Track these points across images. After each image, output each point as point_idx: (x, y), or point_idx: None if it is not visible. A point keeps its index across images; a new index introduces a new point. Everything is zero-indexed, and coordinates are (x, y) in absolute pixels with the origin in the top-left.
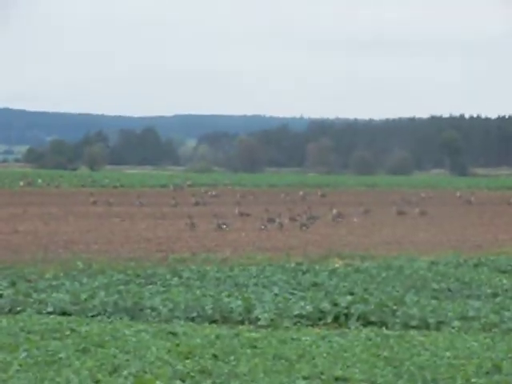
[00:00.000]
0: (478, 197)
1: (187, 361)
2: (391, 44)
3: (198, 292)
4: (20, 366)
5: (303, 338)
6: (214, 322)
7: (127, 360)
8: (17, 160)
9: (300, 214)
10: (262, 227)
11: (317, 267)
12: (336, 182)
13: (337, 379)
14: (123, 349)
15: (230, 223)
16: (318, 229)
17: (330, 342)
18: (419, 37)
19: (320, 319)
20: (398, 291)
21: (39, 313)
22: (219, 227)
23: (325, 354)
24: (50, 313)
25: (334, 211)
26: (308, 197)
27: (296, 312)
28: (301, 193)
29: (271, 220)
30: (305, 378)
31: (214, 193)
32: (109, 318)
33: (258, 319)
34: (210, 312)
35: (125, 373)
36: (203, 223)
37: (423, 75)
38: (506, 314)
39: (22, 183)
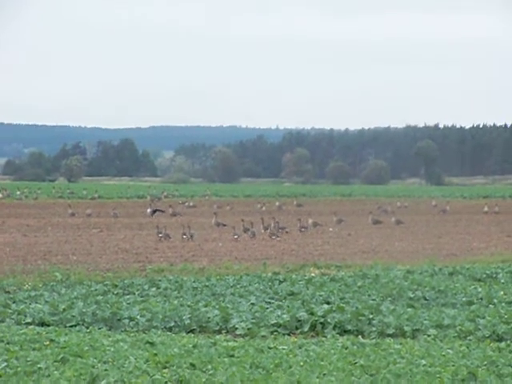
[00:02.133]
0: (453, 206)
1: (165, 370)
2: (366, 55)
3: (175, 302)
4: (0, 376)
5: (280, 347)
6: (192, 331)
7: (106, 370)
8: None
9: (270, 224)
10: (236, 237)
11: (293, 276)
12: (312, 191)
13: None
14: (102, 359)
15: (197, 233)
16: (295, 238)
17: (306, 350)
18: (394, 48)
19: (297, 328)
20: (374, 300)
21: (18, 323)
22: (183, 237)
23: (301, 363)
24: (28, 323)
25: (310, 221)
26: (284, 206)
27: (273, 321)
28: (277, 203)
29: (246, 230)
30: None
31: (191, 203)
32: (87, 328)
33: (235, 328)
34: (187, 322)
35: (103, 382)
36: (179, 234)
37: (398, 85)
38: (481, 321)
39: (0, 195)
